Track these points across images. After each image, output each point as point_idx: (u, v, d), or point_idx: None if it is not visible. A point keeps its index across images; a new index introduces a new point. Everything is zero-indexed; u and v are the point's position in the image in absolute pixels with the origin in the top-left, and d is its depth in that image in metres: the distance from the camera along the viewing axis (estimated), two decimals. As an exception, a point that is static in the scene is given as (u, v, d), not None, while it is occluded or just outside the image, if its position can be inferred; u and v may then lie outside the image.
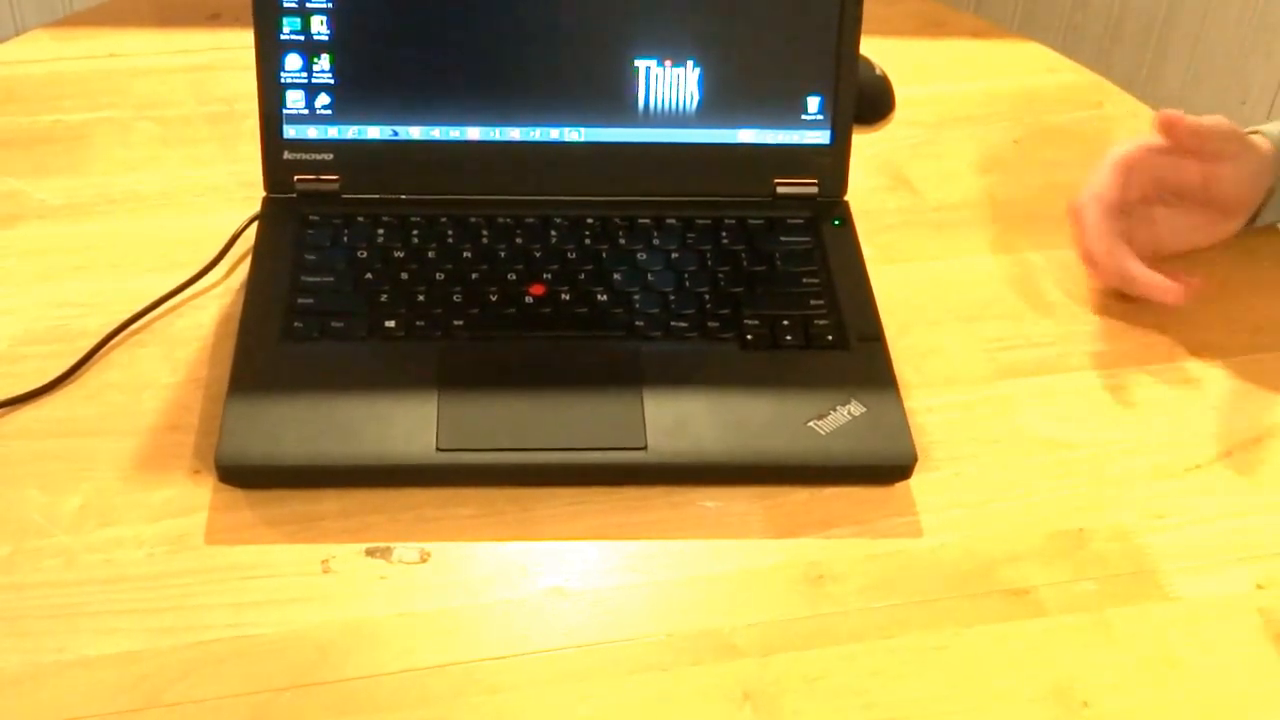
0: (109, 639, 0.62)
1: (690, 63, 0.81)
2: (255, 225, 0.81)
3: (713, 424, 0.71)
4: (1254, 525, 0.70)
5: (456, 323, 0.75)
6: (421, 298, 0.76)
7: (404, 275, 0.77)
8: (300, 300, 0.76)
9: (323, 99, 0.81)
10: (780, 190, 0.84)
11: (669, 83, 0.82)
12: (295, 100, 0.81)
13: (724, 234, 0.81)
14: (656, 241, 0.81)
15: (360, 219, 0.80)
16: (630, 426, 0.70)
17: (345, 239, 0.79)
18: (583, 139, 0.83)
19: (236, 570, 0.65)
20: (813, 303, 0.78)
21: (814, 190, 0.84)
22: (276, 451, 0.68)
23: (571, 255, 0.80)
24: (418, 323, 0.75)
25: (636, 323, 0.76)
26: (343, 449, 0.69)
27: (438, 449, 0.69)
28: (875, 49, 1.00)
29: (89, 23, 1.04)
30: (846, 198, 0.84)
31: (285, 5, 0.79)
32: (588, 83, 0.82)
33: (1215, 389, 0.79)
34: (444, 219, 0.81)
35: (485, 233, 0.80)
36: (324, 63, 0.80)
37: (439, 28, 0.80)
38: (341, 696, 0.61)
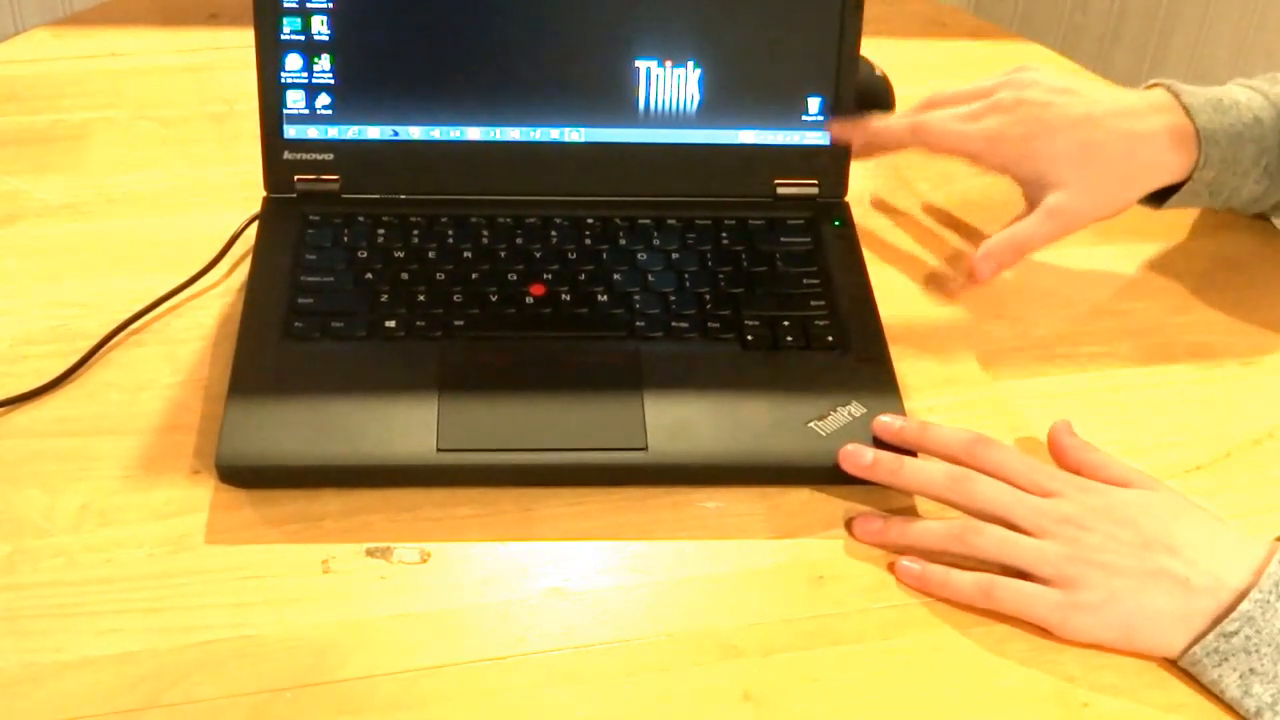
0: (109, 639, 0.62)
1: (691, 63, 0.81)
2: (255, 225, 0.81)
3: (713, 424, 0.71)
4: (1254, 525, 0.70)
5: (457, 323, 0.75)
6: (422, 298, 0.76)
7: (404, 275, 0.77)
8: (300, 300, 0.76)
9: (323, 99, 0.81)
10: (780, 191, 0.84)
11: (669, 83, 0.82)
12: (295, 100, 0.81)
13: (724, 234, 0.82)
14: (657, 242, 0.81)
15: (360, 219, 0.80)
16: (630, 427, 0.70)
17: (345, 239, 0.79)
18: (583, 139, 0.83)
19: (236, 570, 0.65)
20: (813, 303, 0.78)
21: (814, 191, 0.84)
22: (276, 451, 0.68)
23: (572, 255, 0.80)
24: (418, 323, 0.75)
25: (637, 323, 0.76)
26: (343, 449, 0.69)
27: (438, 449, 0.69)
28: (875, 49, 1.00)
29: (89, 22, 1.04)
30: (846, 198, 0.84)
31: (285, 5, 0.79)
32: (588, 83, 0.82)
33: (1215, 389, 0.79)
34: (444, 219, 0.81)
35: (485, 233, 0.80)
36: (324, 63, 0.80)
37: (439, 28, 0.80)
38: (341, 697, 0.61)
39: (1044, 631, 0.64)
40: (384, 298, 0.76)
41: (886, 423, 0.71)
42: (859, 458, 0.69)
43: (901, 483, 0.69)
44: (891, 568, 0.67)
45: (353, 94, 0.81)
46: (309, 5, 0.79)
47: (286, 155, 0.81)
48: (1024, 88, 0.82)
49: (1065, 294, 0.85)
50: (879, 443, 0.71)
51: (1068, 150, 0.79)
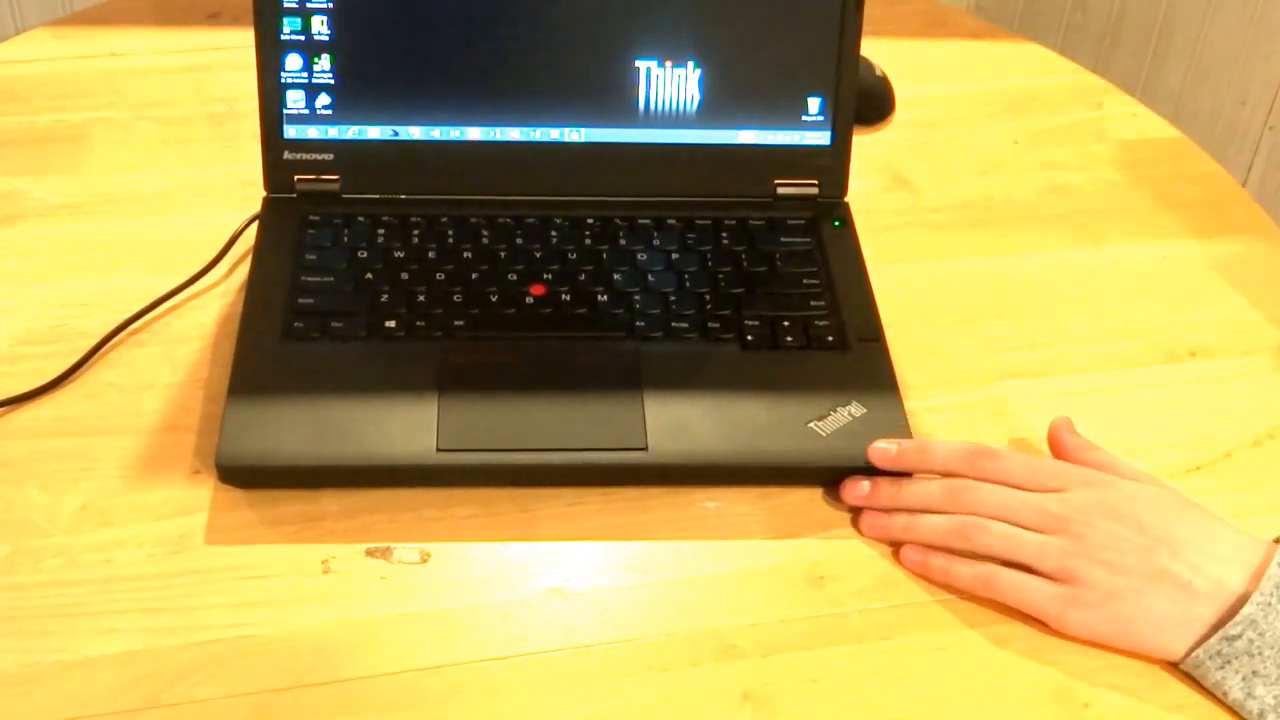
0: (109, 639, 0.62)
1: (691, 63, 0.81)
2: (255, 225, 0.81)
3: (713, 424, 0.71)
4: (1254, 525, 0.70)
5: (457, 323, 0.75)
6: (422, 298, 0.76)
7: (404, 275, 0.77)
8: (300, 300, 0.76)
9: (323, 99, 0.81)
10: (781, 191, 0.84)
11: (669, 83, 0.82)
12: (295, 100, 0.81)
13: (724, 234, 0.81)
14: (657, 242, 0.81)
15: (360, 219, 0.80)
16: (631, 427, 0.70)
17: (345, 239, 0.79)
18: (583, 139, 0.83)
19: (236, 570, 0.65)
20: (813, 303, 0.78)
21: (814, 191, 0.84)
22: (276, 451, 0.68)
23: (572, 256, 0.80)
24: (418, 323, 0.75)
25: (637, 323, 0.76)
26: (343, 449, 0.69)
27: (438, 449, 0.69)
28: (875, 49, 1.00)
29: (89, 22, 1.04)
30: (847, 198, 0.84)
31: (285, 5, 0.79)
32: (588, 83, 0.82)
33: (1216, 389, 0.79)
34: (444, 219, 0.81)
35: (485, 233, 0.80)
36: (324, 63, 0.80)
37: (439, 28, 0.80)
38: (341, 696, 0.61)
39: (1045, 632, 0.64)
40: (384, 298, 0.76)
41: (884, 449, 0.70)
42: (857, 490, 0.69)
43: (903, 505, 0.69)
44: (896, 554, 0.67)
45: (353, 94, 0.81)
46: (309, 5, 0.79)
47: (286, 155, 0.81)
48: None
49: (1066, 294, 0.85)
50: (877, 470, 0.70)
51: None
